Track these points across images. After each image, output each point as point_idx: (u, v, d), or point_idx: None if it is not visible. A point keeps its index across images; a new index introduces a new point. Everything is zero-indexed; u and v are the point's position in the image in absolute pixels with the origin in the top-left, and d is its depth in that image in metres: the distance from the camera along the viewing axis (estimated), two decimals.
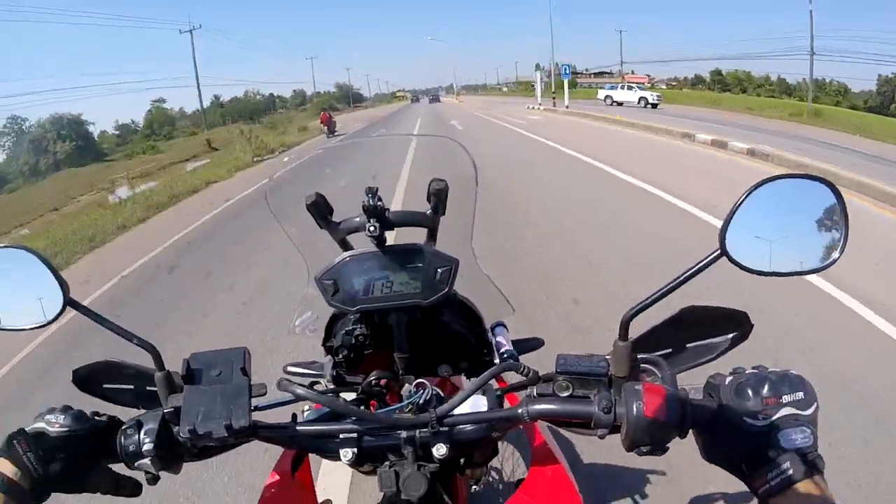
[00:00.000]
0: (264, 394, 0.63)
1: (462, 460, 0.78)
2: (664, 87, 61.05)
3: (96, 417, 0.62)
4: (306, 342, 0.90)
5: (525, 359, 0.79)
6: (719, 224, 0.53)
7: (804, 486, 0.50)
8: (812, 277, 3.30)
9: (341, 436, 0.63)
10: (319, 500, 0.83)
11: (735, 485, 0.55)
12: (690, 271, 0.52)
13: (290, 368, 0.95)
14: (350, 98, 75.68)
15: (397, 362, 0.81)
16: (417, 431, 0.62)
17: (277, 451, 0.78)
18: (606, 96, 29.49)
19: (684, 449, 0.60)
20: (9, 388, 3.56)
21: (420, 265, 0.73)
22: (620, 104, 28.00)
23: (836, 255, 0.53)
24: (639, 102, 27.25)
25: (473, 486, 1.18)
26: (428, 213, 0.79)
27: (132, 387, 0.68)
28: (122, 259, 6.35)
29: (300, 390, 0.59)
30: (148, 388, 0.66)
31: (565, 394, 0.59)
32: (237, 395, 0.58)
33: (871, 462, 1.92)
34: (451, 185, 0.75)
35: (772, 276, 0.54)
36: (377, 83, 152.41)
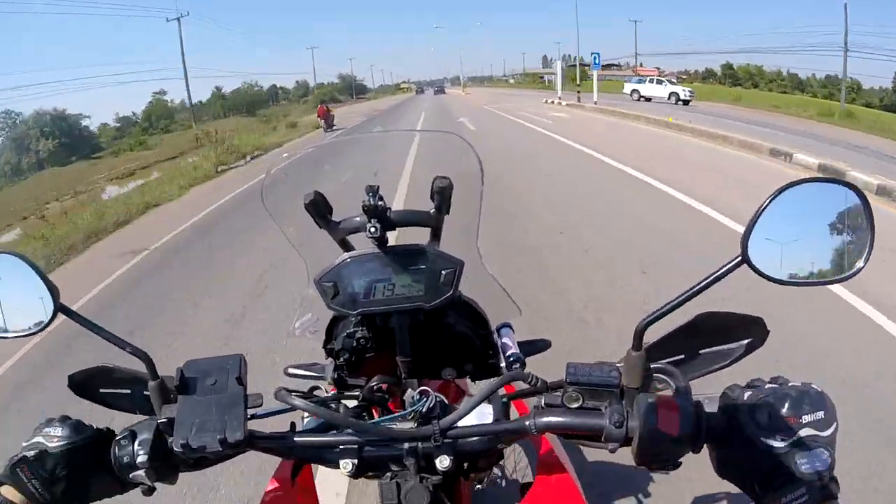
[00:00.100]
0: (260, 405, 0.60)
1: (466, 465, 0.68)
2: (674, 80, 57.48)
3: (94, 426, 0.59)
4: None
5: (532, 360, 0.80)
6: None
7: None
8: None
9: (341, 446, 0.60)
10: None
11: (744, 497, 0.51)
12: (709, 279, 0.49)
13: (291, 370, 0.92)
14: (353, 89, 71.86)
15: (400, 365, 0.75)
16: (420, 443, 0.59)
17: None
18: (633, 90, 25.89)
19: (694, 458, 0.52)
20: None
21: (423, 267, 0.68)
22: (648, 99, 24.51)
23: (860, 263, 0.50)
24: (669, 98, 23.72)
25: (477, 486, 1.08)
26: (431, 212, 0.72)
27: (129, 391, 0.64)
28: None
29: (298, 401, 0.57)
30: (145, 392, 0.61)
31: (575, 405, 0.55)
32: (232, 405, 0.55)
33: None
34: (455, 183, 0.68)
35: (794, 286, 0.51)
36: (381, 74, 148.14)
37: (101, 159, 34.09)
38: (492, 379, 0.60)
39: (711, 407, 0.53)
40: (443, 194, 0.69)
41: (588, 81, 24.98)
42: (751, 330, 0.60)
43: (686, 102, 23.34)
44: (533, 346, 0.88)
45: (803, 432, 0.49)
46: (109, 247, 7.03)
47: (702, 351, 0.61)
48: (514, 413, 0.73)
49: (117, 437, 0.58)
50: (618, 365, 0.56)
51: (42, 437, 0.56)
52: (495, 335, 0.82)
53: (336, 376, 0.78)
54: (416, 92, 77.47)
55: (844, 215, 0.50)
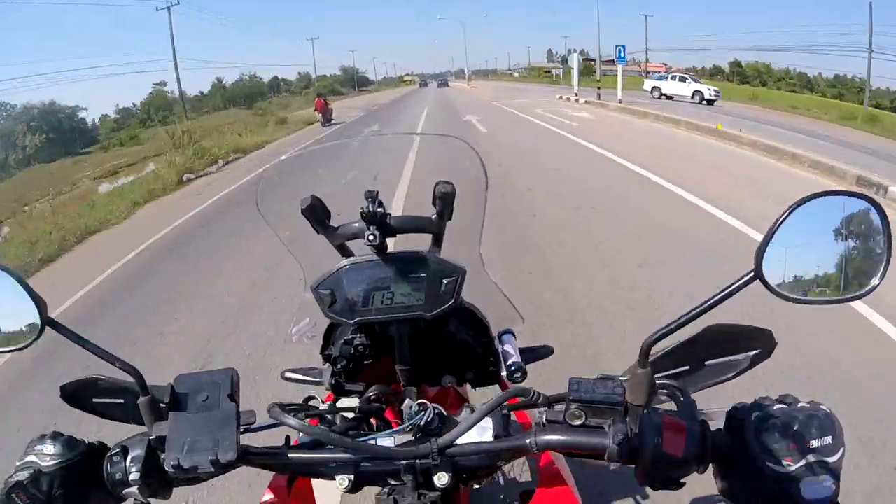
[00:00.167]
0: (253, 422, 0.58)
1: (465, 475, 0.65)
2: (686, 76, 55.07)
3: (85, 441, 0.58)
4: None
5: (532, 367, 0.79)
6: None
7: None
8: None
9: (337, 462, 0.58)
10: None
11: None
12: (719, 296, 0.47)
13: (288, 374, 0.91)
14: (355, 82, 69.31)
15: (399, 373, 0.74)
16: (417, 460, 0.57)
17: None
18: (654, 88, 23.50)
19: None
20: None
21: (423, 275, 0.66)
22: (670, 98, 22.22)
23: (875, 281, 0.48)
24: (693, 97, 21.39)
25: (476, 486, 1.00)
26: (433, 217, 0.70)
27: (121, 401, 0.62)
28: None
29: (291, 420, 0.54)
30: (137, 402, 0.58)
31: (577, 422, 0.53)
32: (224, 424, 0.53)
33: None
34: (457, 185, 0.67)
35: (807, 304, 0.49)
36: (384, 66, 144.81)
37: (91, 154, 31.97)
38: (493, 398, 0.56)
39: (717, 422, 0.52)
40: (445, 200, 0.66)
41: (609, 77, 22.85)
42: (757, 342, 0.58)
43: (711, 102, 21.12)
44: (535, 354, 0.85)
45: (810, 458, 0.47)
46: None
47: (707, 362, 0.59)
48: (513, 422, 0.66)
49: (109, 454, 0.56)
50: (622, 379, 0.54)
51: (35, 455, 0.55)
52: (496, 342, 0.80)
53: (333, 382, 0.77)
54: (419, 85, 74.63)
55: (862, 230, 0.47)
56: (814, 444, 0.47)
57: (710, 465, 0.51)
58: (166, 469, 0.51)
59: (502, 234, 4.46)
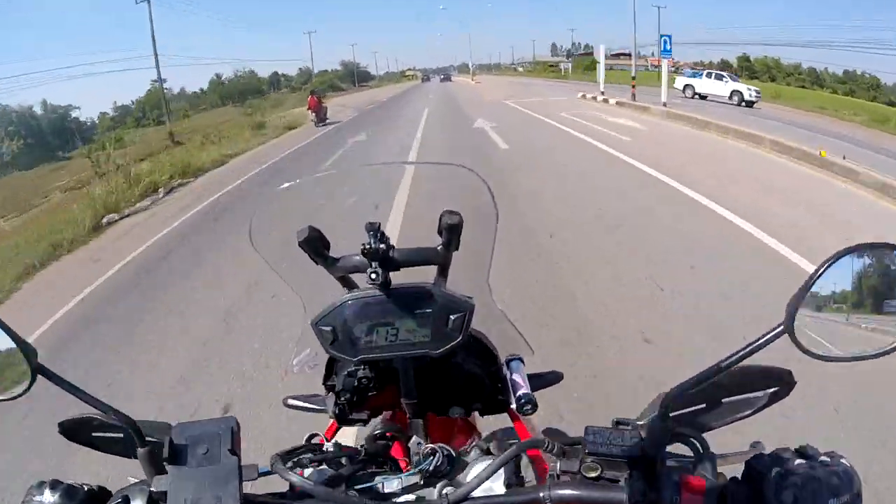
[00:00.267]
0: (255, 477, 0.53)
1: None
2: (690, 71, 51.84)
3: (85, 487, 0.55)
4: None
5: (541, 395, 0.75)
6: None
7: None
8: None
9: None
10: None
11: None
12: (745, 351, 0.44)
13: (291, 401, 0.88)
14: (355, 77, 65.62)
15: (404, 407, 0.71)
16: None
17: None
18: (686, 86, 20.02)
19: None
20: None
21: (430, 310, 0.61)
22: (704, 97, 19.01)
23: None
24: (730, 98, 18.05)
25: None
26: (439, 248, 0.67)
27: (121, 435, 0.58)
28: None
29: (293, 477, 0.52)
30: (136, 451, 0.56)
31: (593, 474, 0.50)
32: (226, 480, 0.49)
33: None
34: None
35: (839, 362, 0.46)
36: (386, 61, 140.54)
37: (72, 160, 28.94)
38: (506, 452, 0.53)
39: (733, 466, 0.51)
40: (452, 231, 0.64)
41: (616, 72, 19.65)
42: (776, 380, 0.55)
43: (750, 104, 17.81)
44: (543, 380, 0.84)
45: None
46: None
47: (725, 400, 0.56)
48: (526, 465, 0.64)
49: (110, 503, 0.54)
50: (639, 423, 0.52)
51: None
52: (504, 369, 0.76)
53: (337, 410, 0.73)
54: (421, 80, 71.04)
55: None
56: (832, 502, 0.45)
57: None
58: None
59: None
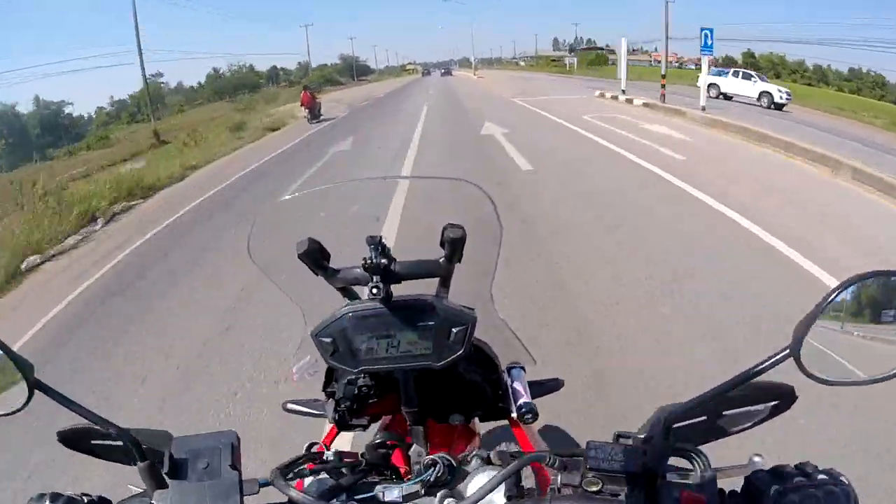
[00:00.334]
0: (256, 492, 0.52)
1: None
2: (693, 67, 49.81)
3: (85, 499, 0.53)
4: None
5: (542, 402, 0.75)
6: None
7: None
8: None
9: None
10: None
11: None
12: (750, 372, 0.43)
13: (290, 406, 0.85)
14: (354, 71, 63.11)
15: (405, 415, 0.69)
16: None
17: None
18: (711, 85, 18.08)
19: None
20: None
21: (431, 323, 0.60)
22: (729, 98, 17.10)
23: None
24: (759, 100, 15.92)
25: None
26: (441, 260, 0.65)
27: (121, 443, 0.55)
28: None
29: (293, 493, 0.51)
30: (136, 466, 0.55)
31: (594, 488, 0.49)
32: (227, 495, 0.49)
33: None
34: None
35: (841, 386, 0.46)
36: (386, 55, 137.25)
37: (56, 160, 26.88)
38: (508, 466, 0.51)
39: (733, 480, 0.49)
40: (455, 245, 0.62)
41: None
42: (777, 394, 0.54)
43: (780, 107, 15.72)
44: (544, 387, 0.82)
45: None
46: None
47: (725, 412, 0.55)
48: (527, 477, 0.66)
49: None
50: (639, 437, 0.51)
51: None
52: (505, 376, 0.76)
53: (337, 417, 0.72)
54: (422, 73, 68.24)
55: None
56: None
57: None
58: None
59: None
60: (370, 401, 0.71)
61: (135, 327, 3.53)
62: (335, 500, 0.55)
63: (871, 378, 0.44)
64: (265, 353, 2.83)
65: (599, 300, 3.07)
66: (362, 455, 0.64)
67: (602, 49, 58.93)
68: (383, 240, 0.59)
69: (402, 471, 0.64)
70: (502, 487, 0.53)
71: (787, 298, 2.87)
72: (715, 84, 17.92)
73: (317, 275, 0.66)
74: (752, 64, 47.86)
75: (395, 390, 0.67)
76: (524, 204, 4.99)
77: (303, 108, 15.13)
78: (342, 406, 0.71)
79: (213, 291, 3.88)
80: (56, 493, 0.51)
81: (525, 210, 4.80)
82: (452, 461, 0.57)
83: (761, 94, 16.33)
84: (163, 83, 46.81)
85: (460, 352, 0.60)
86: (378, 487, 0.56)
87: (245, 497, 0.49)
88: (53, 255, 5.79)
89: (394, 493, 0.55)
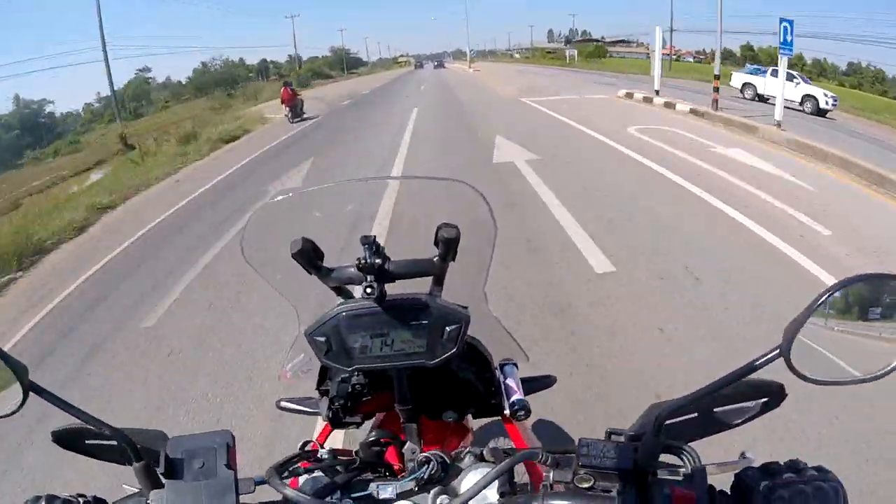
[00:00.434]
0: (252, 491, 0.51)
1: None
2: (691, 59, 46.74)
3: (81, 501, 0.51)
4: None
5: (534, 398, 0.74)
6: None
7: None
8: None
9: None
10: None
11: None
12: (740, 371, 0.43)
13: (284, 404, 0.84)
14: (344, 63, 58.96)
15: (398, 412, 0.68)
16: None
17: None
18: (746, 84, 14.90)
19: None
20: None
21: (425, 322, 0.59)
22: (765, 100, 14.29)
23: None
24: (801, 104, 13.02)
25: None
26: (435, 259, 0.63)
27: (115, 443, 0.53)
28: None
29: (289, 491, 0.50)
30: (131, 466, 0.53)
31: (585, 485, 0.49)
32: (223, 494, 0.47)
33: None
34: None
35: (831, 385, 0.45)
36: (378, 47, 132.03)
37: (21, 169, 23.64)
38: (501, 464, 0.51)
39: (723, 475, 0.49)
40: (449, 245, 0.61)
41: (615, 59, 14.24)
42: (768, 392, 0.53)
43: (824, 113, 12.91)
44: (537, 384, 0.81)
45: None
46: None
47: (716, 409, 0.54)
48: (520, 473, 0.63)
49: None
50: (630, 434, 0.50)
51: None
52: (498, 373, 0.74)
53: (331, 415, 0.71)
54: (414, 66, 64.19)
55: (890, 309, 0.44)
56: None
57: None
58: None
59: None
60: (364, 398, 0.70)
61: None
62: (330, 498, 0.54)
63: (860, 378, 0.44)
64: None
65: None
66: (356, 453, 0.62)
67: (598, 41, 55.60)
68: (377, 239, 0.58)
69: (396, 468, 0.62)
70: (495, 484, 0.53)
71: None
72: (751, 84, 15.02)
73: (311, 274, 0.64)
74: (752, 56, 45.04)
75: (388, 388, 0.66)
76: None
77: (283, 105, 13.21)
78: (336, 404, 0.70)
79: None
80: (52, 496, 0.50)
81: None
82: (446, 458, 0.56)
83: (804, 97, 13.42)
84: (150, 78, 43.52)
85: (454, 350, 0.59)
86: (372, 485, 0.55)
87: (241, 496, 0.48)
88: None
89: (388, 490, 0.54)
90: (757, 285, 2.98)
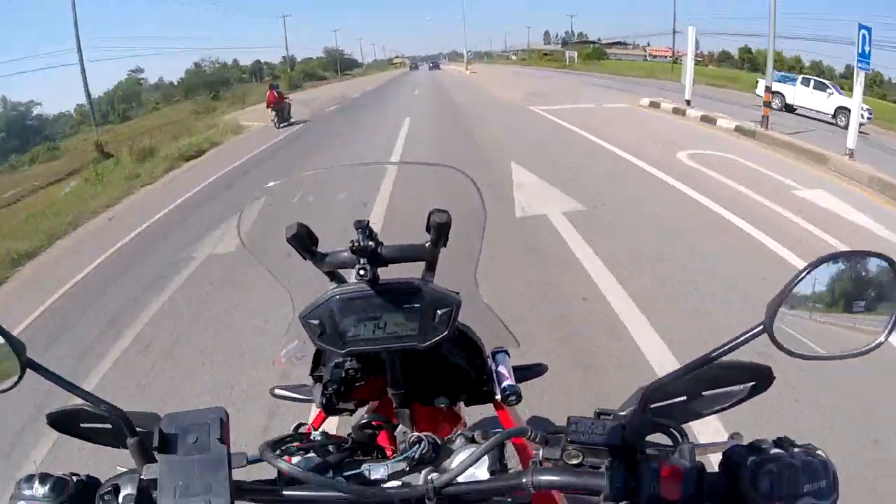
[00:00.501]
0: (245, 464, 0.50)
1: None
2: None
3: (74, 478, 0.51)
4: None
5: (525, 386, 0.73)
6: None
7: None
8: None
9: (330, 501, 0.52)
10: None
11: None
12: (725, 347, 0.44)
13: (278, 391, 0.83)
14: (338, 65, 56.56)
15: (391, 397, 0.68)
16: (413, 499, 0.52)
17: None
18: (774, 93, 13.58)
19: None
20: None
21: (417, 305, 0.59)
22: (793, 110, 12.73)
23: (881, 338, 0.44)
24: (835, 116, 11.48)
25: None
26: (427, 245, 0.63)
27: (109, 426, 0.55)
28: None
29: (282, 464, 0.50)
30: (126, 441, 0.53)
31: (574, 461, 0.49)
32: (216, 467, 0.47)
33: None
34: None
35: (815, 360, 0.46)
36: (373, 48, 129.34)
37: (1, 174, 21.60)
38: (491, 439, 0.51)
39: (712, 455, 0.49)
40: (440, 230, 0.60)
41: (613, 62, 12.44)
42: (756, 375, 0.53)
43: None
44: (529, 371, 0.81)
45: (803, 501, 0.44)
46: None
47: (705, 393, 0.54)
48: (509, 453, 0.63)
49: (100, 492, 0.50)
50: (620, 414, 0.50)
51: (26, 501, 0.49)
52: (490, 361, 0.73)
53: (324, 401, 0.70)
54: (409, 67, 62.44)
55: (875, 288, 0.44)
56: (807, 487, 0.44)
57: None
58: None
59: None
60: (357, 384, 0.69)
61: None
62: (323, 475, 0.53)
63: (843, 353, 0.44)
64: None
65: None
66: (349, 436, 0.61)
67: (595, 42, 53.90)
68: (370, 224, 0.58)
69: (388, 451, 0.62)
70: (486, 463, 0.53)
71: None
72: (778, 93, 13.43)
73: (305, 259, 0.64)
74: (749, 58, 43.60)
75: (381, 373, 0.66)
76: None
77: (269, 109, 12.12)
78: (329, 389, 0.69)
79: None
80: (45, 474, 0.50)
81: None
82: (437, 440, 0.56)
83: (838, 110, 11.85)
84: (142, 79, 41.45)
85: (445, 333, 0.59)
86: (364, 466, 0.55)
87: (234, 470, 0.48)
88: None
89: (380, 471, 0.54)
90: None
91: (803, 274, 0.42)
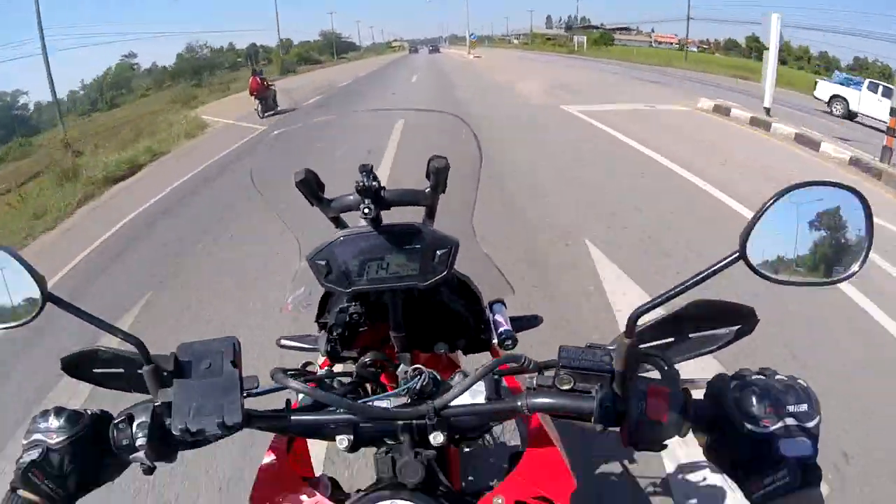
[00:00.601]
0: (256, 387, 0.53)
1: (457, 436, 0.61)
2: (695, 49, 42.24)
3: (88, 412, 0.52)
4: None
5: (523, 335, 0.73)
6: None
7: (798, 496, 0.43)
8: None
9: (337, 424, 0.54)
10: (317, 474, 0.67)
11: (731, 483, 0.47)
12: (705, 273, 0.44)
13: (284, 341, 0.84)
14: (335, 48, 52.26)
15: (393, 340, 0.68)
16: (414, 420, 0.53)
17: None
18: (834, 97, 11.11)
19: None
20: None
21: (418, 246, 0.59)
22: (853, 118, 10.25)
23: (855, 267, 0.44)
24: None
25: (465, 449, 0.94)
26: (426, 190, 0.64)
27: (122, 370, 0.55)
28: None
29: (293, 383, 0.51)
30: (138, 371, 0.53)
31: (566, 387, 0.50)
32: (228, 389, 0.49)
33: None
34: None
35: (788, 285, 0.45)
36: (371, 31, 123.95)
37: None
38: (486, 364, 0.52)
39: (698, 392, 0.49)
40: (439, 175, 0.61)
41: (619, 47, 11.22)
42: (741, 318, 0.53)
43: None
44: (525, 322, 0.81)
45: (787, 420, 0.44)
46: None
47: (691, 335, 0.54)
48: (504, 387, 0.62)
49: (115, 421, 0.51)
50: (609, 348, 0.50)
51: (42, 434, 0.50)
52: (488, 311, 0.75)
53: (329, 349, 0.71)
54: (409, 51, 58.37)
55: (845, 219, 0.44)
56: (790, 408, 0.44)
57: (692, 430, 0.48)
58: (174, 433, 0.48)
59: None
60: (361, 329, 0.70)
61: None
62: (328, 409, 0.54)
63: (815, 280, 0.44)
64: None
65: None
66: (353, 373, 0.63)
67: (598, 27, 50.40)
68: (374, 169, 0.57)
69: (389, 389, 0.62)
70: (483, 391, 0.54)
71: None
72: (841, 97, 10.93)
73: (312, 205, 0.64)
74: (756, 46, 40.40)
75: (384, 320, 0.66)
76: None
77: (253, 96, 10.72)
78: (334, 334, 0.70)
79: None
80: (59, 408, 0.50)
81: None
82: (437, 375, 0.56)
83: None
84: (135, 64, 38.16)
85: (444, 273, 0.59)
86: (367, 397, 0.56)
87: (245, 399, 0.48)
88: None
89: (382, 402, 0.54)
90: None
91: (771, 202, 0.42)
